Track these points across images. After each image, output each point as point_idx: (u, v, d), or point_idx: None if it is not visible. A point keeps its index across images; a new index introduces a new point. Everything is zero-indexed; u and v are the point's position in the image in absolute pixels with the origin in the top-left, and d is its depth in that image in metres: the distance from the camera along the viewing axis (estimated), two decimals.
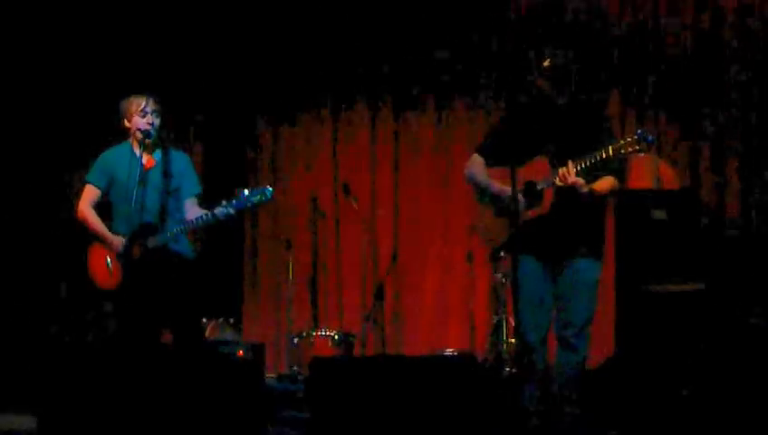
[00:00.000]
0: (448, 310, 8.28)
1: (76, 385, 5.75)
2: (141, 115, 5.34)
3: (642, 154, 4.63)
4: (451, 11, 8.20)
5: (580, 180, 4.70)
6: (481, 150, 5.12)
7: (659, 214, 6.56)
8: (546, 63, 4.81)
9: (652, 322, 6.34)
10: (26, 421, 5.38)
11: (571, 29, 7.97)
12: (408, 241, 8.43)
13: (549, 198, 4.77)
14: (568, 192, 4.72)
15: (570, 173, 4.67)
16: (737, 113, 7.63)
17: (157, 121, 5.37)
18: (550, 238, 4.74)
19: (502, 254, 6.70)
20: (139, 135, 5.32)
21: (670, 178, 7.51)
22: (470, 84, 8.26)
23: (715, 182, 7.65)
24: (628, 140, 4.60)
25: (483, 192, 5.05)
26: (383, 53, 8.41)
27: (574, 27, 7.98)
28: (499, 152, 4.99)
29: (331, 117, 8.67)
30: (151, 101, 5.35)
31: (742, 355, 6.01)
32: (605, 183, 4.82)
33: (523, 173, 4.82)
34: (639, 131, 4.63)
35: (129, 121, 5.38)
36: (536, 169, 4.78)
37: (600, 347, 7.31)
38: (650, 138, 4.61)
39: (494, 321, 7.51)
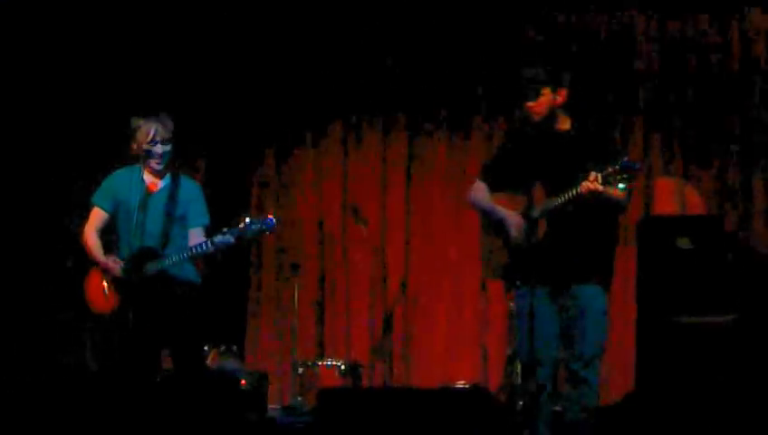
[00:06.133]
0: (461, 340, 8.29)
1: (71, 412, 5.82)
2: (151, 145, 5.36)
3: (631, 182, 4.66)
4: (466, 33, 8.27)
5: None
6: (483, 177, 5.18)
7: (684, 242, 6.58)
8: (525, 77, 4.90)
9: (675, 355, 6.37)
10: None
11: (592, 55, 8.11)
12: (419, 268, 8.45)
13: (543, 226, 4.82)
14: (561, 219, 4.77)
15: (594, 180, 4.64)
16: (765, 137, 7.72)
17: (167, 149, 5.39)
18: (551, 266, 4.79)
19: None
20: (151, 163, 5.37)
21: (696, 203, 7.53)
22: (486, 107, 8.33)
23: (742, 208, 7.73)
24: (616, 167, 4.60)
25: (487, 218, 5.11)
26: (396, 73, 8.45)
27: (596, 53, 8.13)
28: (501, 178, 5.07)
29: (341, 137, 8.70)
30: (161, 130, 5.35)
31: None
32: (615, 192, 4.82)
33: (522, 202, 4.89)
34: (625, 159, 4.63)
35: (138, 147, 5.40)
36: (537, 197, 4.83)
37: (619, 382, 7.40)
38: (636, 165, 4.64)
39: (509, 353, 7.52)
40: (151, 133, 5.34)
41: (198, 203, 5.54)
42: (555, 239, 4.82)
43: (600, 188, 4.61)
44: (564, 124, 4.97)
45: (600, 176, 4.62)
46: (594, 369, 4.85)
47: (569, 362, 4.87)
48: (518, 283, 4.96)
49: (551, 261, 4.79)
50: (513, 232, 4.91)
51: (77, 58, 7.93)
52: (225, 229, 5.23)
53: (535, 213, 4.81)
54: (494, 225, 5.05)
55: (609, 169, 4.61)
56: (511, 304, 7.46)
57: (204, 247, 5.25)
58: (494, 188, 5.10)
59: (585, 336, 4.83)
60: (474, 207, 5.21)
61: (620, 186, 4.62)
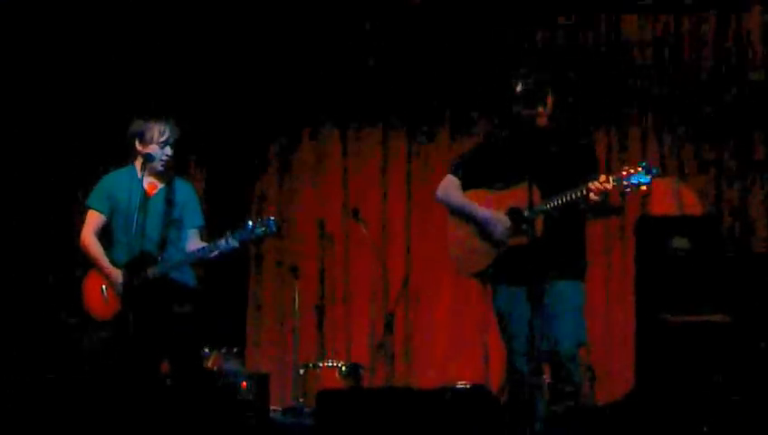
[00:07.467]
0: (462, 341, 8.32)
1: (70, 416, 5.87)
2: (161, 145, 5.38)
3: (645, 188, 4.66)
4: (466, 33, 8.31)
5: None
6: (457, 172, 5.16)
7: (681, 242, 6.63)
8: (518, 88, 4.87)
9: (674, 355, 6.42)
10: None
11: (590, 57, 8.17)
12: (419, 268, 8.47)
13: (540, 224, 4.82)
14: (558, 217, 4.79)
15: (604, 181, 4.64)
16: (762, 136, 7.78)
17: (172, 153, 5.42)
18: (532, 264, 4.77)
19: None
20: (157, 165, 5.37)
21: (692, 202, 7.58)
22: (485, 107, 8.32)
23: (738, 208, 7.77)
24: (632, 171, 4.61)
25: (461, 215, 5.09)
26: (396, 74, 8.47)
27: (594, 55, 8.19)
28: (482, 175, 5.05)
29: (341, 137, 8.72)
30: (173, 133, 5.38)
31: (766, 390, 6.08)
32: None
33: (506, 199, 4.91)
34: (644, 163, 4.64)
35: (144, 146, 5.39)
36: (518, 196, 4.81)
37: (619, 381, 7.45)
38: (654, 170, 4.63)
39: None
40: (166, 135, 5.37)
41: (193, 204, 5.57)
42: (547, 237, 4.82)
43: (611, 187, 4.62)
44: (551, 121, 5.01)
45: (611, 178, 4.63)
46: (576, 362, 4.88)
47: (553, 356, 4.86)
48: (496, 282, 5.01)
49: (535, 258, 4.75)
50: (499, 232, 4.90)
51: (75, 63, 7.99)
52: (228, 234, 5.24)
53: (540, 209, 4.79)
54: (475, 223, 5.01)
55: (624, 172, 4.63)
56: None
57: (207, 251, 5.27)
58: (470, 184, 5.07)
59: (566, 330, 4.84)
60: (444, 202, 5.16)
61: (643, 188, 4.60)
